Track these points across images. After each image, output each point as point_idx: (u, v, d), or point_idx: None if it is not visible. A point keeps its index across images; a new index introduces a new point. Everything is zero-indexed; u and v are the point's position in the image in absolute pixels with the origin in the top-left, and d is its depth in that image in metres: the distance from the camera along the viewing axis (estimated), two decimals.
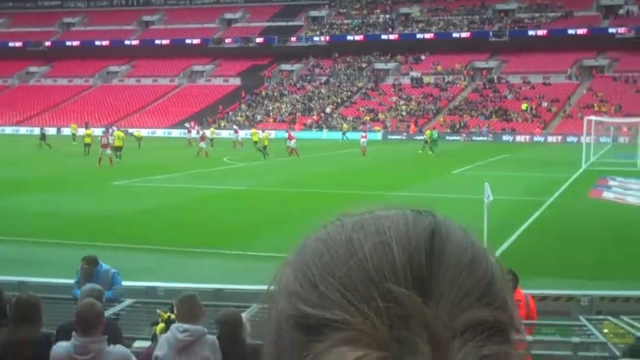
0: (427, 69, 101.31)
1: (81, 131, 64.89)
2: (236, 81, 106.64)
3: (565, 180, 36.02)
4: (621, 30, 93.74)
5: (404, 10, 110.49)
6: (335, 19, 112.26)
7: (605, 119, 66.17)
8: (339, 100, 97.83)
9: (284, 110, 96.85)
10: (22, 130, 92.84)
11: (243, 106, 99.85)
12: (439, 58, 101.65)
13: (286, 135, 56.71)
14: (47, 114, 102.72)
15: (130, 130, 75.14)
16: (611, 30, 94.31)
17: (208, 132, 66.03)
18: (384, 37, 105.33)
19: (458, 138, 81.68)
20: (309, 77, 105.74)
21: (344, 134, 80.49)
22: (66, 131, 77.93)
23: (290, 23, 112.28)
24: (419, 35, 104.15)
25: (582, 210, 26.75)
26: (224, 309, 8.35)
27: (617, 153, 52.59)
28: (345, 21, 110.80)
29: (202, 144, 53.89)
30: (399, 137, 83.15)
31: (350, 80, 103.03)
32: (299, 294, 0.84)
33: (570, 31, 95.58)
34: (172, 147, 62.57)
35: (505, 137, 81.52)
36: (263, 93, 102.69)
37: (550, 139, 79.73)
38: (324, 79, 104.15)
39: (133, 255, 18.22)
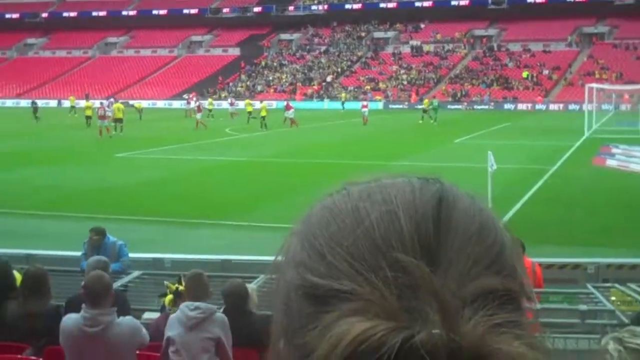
0: (427, 38, 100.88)
1: (81, 103, 64.61)
2: (235, 51, 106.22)
3: (568, 149, 35.98)
4: None
5: None
6: None
7: (606, 86, 65.93)
8: (339, 69, 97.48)
9: (284, 80, 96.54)
10: (23, 102, 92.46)
11: (243, 76, 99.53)
12: (438, 26, 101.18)
13: (285, 104, 56.44)
14: (47, 86, 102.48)
15: (130, 102, 74.93)
16: None
17: (206, 103, 65.82)
18: (382, 5, 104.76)
19: (459, 107, 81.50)
20: (308, 47, 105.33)
21: (342, 103, 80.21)
22: (66, 104, 77.64)
23: None
24: (418, 3, 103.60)
25: (586, 178, 26.71)
26: (230, 280, 8.36)
27: (619, 120, 52.46)
28: None
29: (198, 115, 53.45)
30: (400, 106, 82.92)
31: (350, 49, 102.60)
32: (306, 264, 0.83)
33: None
34: (173, 118, 62.41)
35: (506, 106, 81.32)
36: (263, 63, 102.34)
37: (552, 107, 79.52)
38: (323, 48, 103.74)
39: (137, 227, 18.23)
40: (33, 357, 7.04)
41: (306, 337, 0.80)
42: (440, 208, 0.83)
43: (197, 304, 6.78)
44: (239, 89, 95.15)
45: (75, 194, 23.59)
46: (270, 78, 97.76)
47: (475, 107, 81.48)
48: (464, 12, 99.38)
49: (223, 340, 6.82)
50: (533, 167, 29.63)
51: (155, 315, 8.78)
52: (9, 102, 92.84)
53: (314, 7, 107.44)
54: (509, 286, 0.81)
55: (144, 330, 6.82)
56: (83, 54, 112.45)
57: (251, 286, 8.76)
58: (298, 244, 0.86)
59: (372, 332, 0.74)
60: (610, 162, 31.40)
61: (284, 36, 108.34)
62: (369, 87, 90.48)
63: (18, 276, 8.13)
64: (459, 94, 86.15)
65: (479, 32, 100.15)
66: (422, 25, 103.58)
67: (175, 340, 6.74)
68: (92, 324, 6.39)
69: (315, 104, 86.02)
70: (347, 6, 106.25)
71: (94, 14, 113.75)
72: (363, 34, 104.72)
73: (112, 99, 61.86)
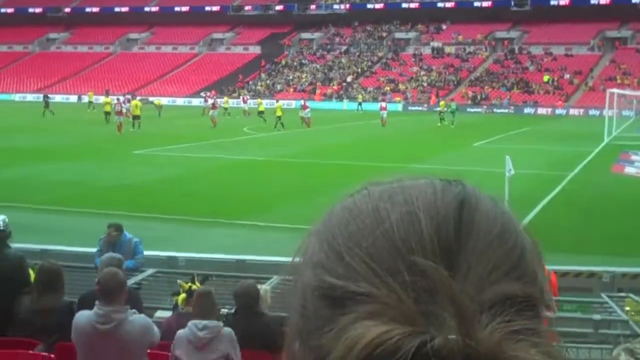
0: (448, 39, 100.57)
1: (100, 99, 64.92)
2: (256, 49, 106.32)
3: (587, 154, 35.78)
4: None
5: None
6: None
7: (628, 92, 65.38)
8: (359, 70, 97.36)
9: (304, 79, 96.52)
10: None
11: (263, 75, 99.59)
12: (460, 28, 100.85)
13: (301, 104, 56.37)
14: (68, 81, 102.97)
15: (150, 99, 75.14)
16: (634, 0, 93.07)
17: (221, 101, 65.91)
18: (404, 5, 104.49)
19: (479, 110, 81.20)
20: (329, 46, 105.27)
21: (359, 104, 79.99)
22: (86, 99, 78.01)
23: None
24: (440, 4, 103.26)
25: (604, 185, 26.55)
26: (242, 281, 8.37)
27: None
28: None
29: (211, 112, 53.19)
30: (420, 108, 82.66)
31: (371, 49, 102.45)
32: (324, 264, 0.83)
33: (593, 1, 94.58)
34: (192, 116, 62.52)
35: (526, 110, 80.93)
36: (283, 62, 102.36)
37: (572, 111, 79.07)
38: (344, 48, 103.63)
39: (152, 225, 18.29)
40: (44, 353, 7.07)
41: (322, 339, 0.79)
42: (462, 210, 0.82)
43: (204, 322, 6.75)
44: (258, 87, 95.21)
45: (92, 190, 23.69)
46: (290, 77, 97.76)
47: (495, 110, 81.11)
48: (486, 13, 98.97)
49: (232, 355, 6.82)
50: (551, 172, 29.48)
51: (168, 314, 8.80)
52: (30, 97, 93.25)
53: (335, 7, 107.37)
54: (529, 292, 0.80)
55: (155, 328, 6.83)
56: (104, 49, 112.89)
57: (265, 287, 8.77)
58: (317, 244, 0.85)
59: (387, 336, 0.74)
60: (629, 170, 31.18)
61: (305, 35, 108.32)
62: (388, 88, 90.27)
63: (32, 271, 8.18)
64: (478, 97, 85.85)
65: (500, 34, 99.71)
66: (444, 27, 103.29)
67: None
68: (105, 321, 6.41)
69: (334, 105, 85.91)
70: (369, 6, 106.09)
71: (116, 9, 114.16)
72: (384, 34, 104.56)
73: (128, 96, 62.07)
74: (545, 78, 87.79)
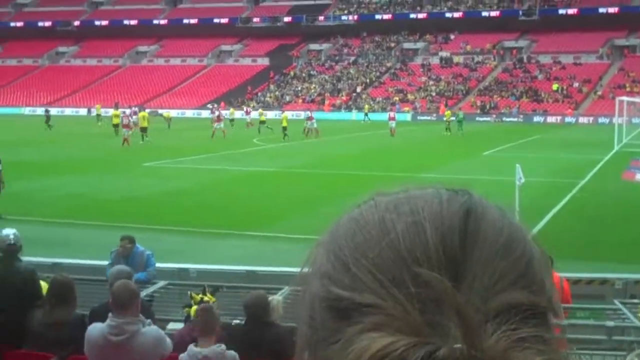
0: (457, 49, 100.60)
1: (109, 112, 65.09)
2: (264, 61, 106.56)
3: (597, 162, 35.69)
4: None
5: None
6: None
7: (637, 99, 65.18)
8: (368, 80, 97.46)
9: (312, 90, 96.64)
10: (53, 111, 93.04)
11: (272, 87, 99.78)
12: (468, 37, 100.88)
13: (308, 115, 56.34)
14: (77, 94, 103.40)
15: (159, 111, 75.31)
16: None
17: (227, 113, 65.93)
18: (412, 16, 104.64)
19: (488, 119, 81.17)
20: (337, 57, 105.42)
21: (366, 114, 80.00)
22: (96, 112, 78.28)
23: (318, 2, 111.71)
24: (448, 14, 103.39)
25: (615, 192, 26.45)
26: (252, 292, 8.36)
27: None
28: (374, 0, 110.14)
29: (217, 125, 52.88)
30: (429, 117, 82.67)
31: (379, 60, 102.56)
32: (330, 275, 0.83)
33: (601, 9, 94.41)
34: (202, 128, 62.59)
35: (536, 118, 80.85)
36: (292, 73, 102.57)
37: (582, 120, 78.97)
38: (352, 58, 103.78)
39: (163, 237, 18.28)
40: None
41: (329, 350, 0.80)
42: (467, 220, 0.82)
43: (206, 352, 6.54)
44: (267, 99, 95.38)
45: (102, 203, 23.73)
46: (299, 88, 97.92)
47: (504, 119, 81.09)
48: (494, 23, 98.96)
49: None
50: (562, 180, 29.41)
51: (180, 325, 8.80)
52: (40, 110, 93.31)
53: (344, 18, 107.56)
54: (535, 301, 0.80)
55: (167, 340, 6.84)
56: (114, 62, 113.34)
57: (277, 297, 8.74)
58: (324, 255, 0.86)
59: (393, 347, 0.74)
60: None
61: (314, 46, 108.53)
62: (397, 99, 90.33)
63: (44, 285, 8.19)
64: (487, 106, 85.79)
65: (509, 43, 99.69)
66: (452, 36, 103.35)
67: None
68: (118, 333, 6.42)
69: (343, 115, 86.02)
70: (377, 16, 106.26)
71: (125, 22, 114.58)
72: (392, 45, 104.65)
73: (135, 108, 62.17)
74: (554, 87, 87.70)
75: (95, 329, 6.59)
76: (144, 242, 12.60)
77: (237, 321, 8.40)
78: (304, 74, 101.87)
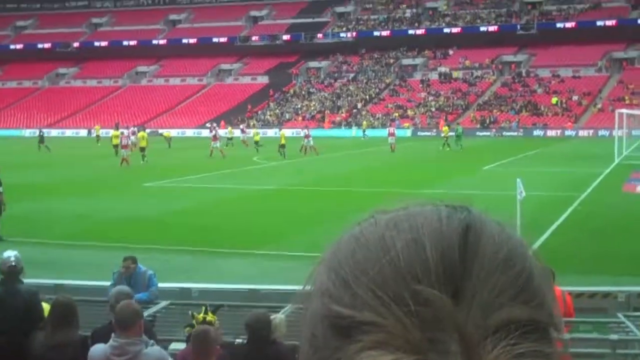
0: (455, 64, 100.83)
1: (110, 132, 65.11)
2: (264, 79, 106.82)
3: (598, 175, 35.70)
4: None
5: (430, 4, 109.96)
6: (362, 15, 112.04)
7: (636, 111, 65.37)
8: (367, 97, 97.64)
9: (312, 108, 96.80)
10: (54, 132, 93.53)
11: (272, 104, 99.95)
12: (467, 52, 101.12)
13: (305, 133, 56.33)
14: (78, 115, 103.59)
15: (160, 131, 75.36)
16: None
17: (224, 132, 65.93)
18: (410, 32, 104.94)
19: (488, 133, 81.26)
20: (336, 74, 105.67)
21: (363, 131, 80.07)
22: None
23: (316, 19, 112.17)
24: (446, 30, 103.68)
25: (616, 204, 26.45)
26: (253, 311, 8.35)
27: None
28: (372, 17, 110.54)
29: (214, 144, 52.87)
30: (429, 133, 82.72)
31: (378, 76, 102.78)
32: (331, 293, 0.83)
33: (599, 23, 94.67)
34: (202, 147, 62.67)
35: (536, 132, 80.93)
36: (291, 91, 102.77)
37: (582, 133, 79.02)
38: (351, 75, 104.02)
39: (165, 257, 18.27)
40: None
41: None
42: (466, 236, 0.83)
43: None
44: (267, 117, 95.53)
45: (103, 224, 23.71)
46: (299, 106, 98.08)
47: (504, 133, 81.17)
48: (492, 37, 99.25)
49: None
50: (563, 194, 29.40)
51: (182, 345, 8.77)
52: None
53: (342, 35, 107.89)
54: (535, 316, 0.81)
55: None
56: (113, 83, 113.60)
57: (279, 316, 8.73)
58: (324, 273, 0.86)
59: None
60: None
61: (313, 64, 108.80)
62: (397, 114, 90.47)
63: (46, 306, 8.18)
64: (487, 121, 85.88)
65: (507, 57, 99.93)
66: (451, 52, 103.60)
67: None
68: (121, 353, 6.41)
69: (343, 132, 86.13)
70: (376, 33, 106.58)
71: (125, 43, 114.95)
72: (391, 61, 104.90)
73: (134, 128, 62.20)
74: (554, 100, 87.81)
75: (98, 350, 6.58)
76: (146, 262, 12.60)
77: (240, 340, 8.37)
78: (303, 92, 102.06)
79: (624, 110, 54.61)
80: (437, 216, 0.85)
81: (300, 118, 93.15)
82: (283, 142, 51.30)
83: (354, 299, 0.81)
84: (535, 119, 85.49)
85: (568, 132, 79.40)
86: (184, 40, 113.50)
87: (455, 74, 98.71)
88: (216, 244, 20.16)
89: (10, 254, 8.70)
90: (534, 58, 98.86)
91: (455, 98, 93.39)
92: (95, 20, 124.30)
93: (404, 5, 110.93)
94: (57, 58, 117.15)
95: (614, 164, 41.78)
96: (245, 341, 7.88)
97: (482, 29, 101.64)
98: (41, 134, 64.23)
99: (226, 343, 7.71)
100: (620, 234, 21.02)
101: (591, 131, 78.44)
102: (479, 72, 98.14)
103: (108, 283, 11.48)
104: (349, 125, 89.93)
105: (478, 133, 79.74)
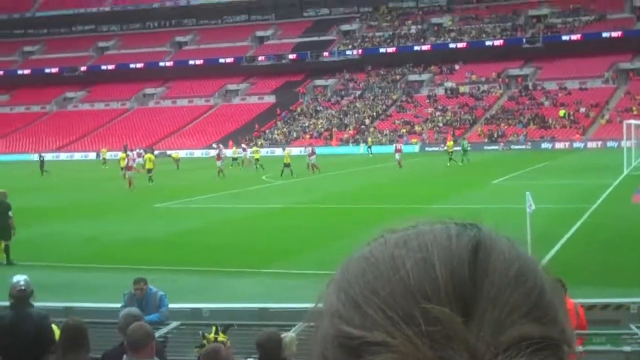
0: (462, 79, 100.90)
1: (118, 155, 65.23)
2: (271, 98, 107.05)
3: (607, 187, 35.60)
4: None
5: (435, 20, 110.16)
6: (367, 32, 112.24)
7: None
8: (374, 113, 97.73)
9: (319, 126, 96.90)
10: (63, 156, 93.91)
11: (279, 123, 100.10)
12: (473, 67, 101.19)
13: (309, 151, 56.32)
14: (86, 139, 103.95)
15: (168, 152, 75.51)
16: None
17: (230, 152, 66.04)
18: (416, 48, 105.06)
19: (496, 147, 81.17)
20: (343, 92, 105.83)
21: (369, 147, 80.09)
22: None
23: (322, 38, 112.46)
24: (452, 45, 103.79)
25: (626, 216, 26.33)
26: (264, 330, 8.33)
27: None
28: (377, 34, 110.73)
29: (219, 163, 53.02)
30: (437, 148, 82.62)
31: (385, 93, 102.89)
32: (341, 314, 0.83)
33: (605, 34, 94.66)
34: (210, 167, 62.76)
35: (544, 145, 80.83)
36: (298, 109, 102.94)
37: (590, 144, 78.92)
38: (358, 92, 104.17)
39: (176, 277, 18.26)
40: None
41: None
42: (477, 254, 0.82)
43: None
44: (275, 136, 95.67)
45: (113, 246, 23.74)
46: (306, 124, 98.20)
47: (512, 147, 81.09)
48: (498, 52, 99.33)
49: None
50: (572, 206, 29.32)
51: None
52: (48, 156, 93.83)
53: (348, 53, 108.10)
54: (547, 333, 0.80)
55: None
56: (121, 105, 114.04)
57: (290, 335, 8.70)
58: (334, 293, 0.86)
59: None
60: None
61: (319, 82, 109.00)
62: (404, 130, 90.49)
63: (56, 330, 8.17)
64: (495, 135, 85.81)
65: (513, 71, 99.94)
66: (457, 67, 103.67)
67: None
68: None
69: (350, 149, 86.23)
70: (382, 50, 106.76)
71: (132, 66, 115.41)
72: (398, 77, 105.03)
73: (140, 150, 62.29)
74: (561, 113, 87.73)
75: None
76: (156, 282, 12.60)
77: (251, 359, 8.35)
78: (310, 110, 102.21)
79: (632, 121, 54.40)
80: (446, 234, 0.85)
81: (307, 136, 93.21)
82: (288, 160, 51.12)
83: (364, 319, 0.80)
84: (543, 132, 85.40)
85: (576, 144, 79.29)
86: (191, 62, 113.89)
87: (461, 89, 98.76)
88: (224, 263, 20.15)
89: (20, 278, 8.70)
90: (540, 71, 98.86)
91: (463, 113, 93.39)
92: (101, 44, 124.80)
93: (409, 22, 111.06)
94: (65, 82, 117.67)
95: (623, 175, 41.65)
96: None
97: (488, 43, 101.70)
98: (41, 158, 64.21)
99: None
100: (631, 245, 20.91)
101: (599, 142, 78.34)
102: (486, 87, 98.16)
103: (118, 305, 11.47)
104: (356, 142, 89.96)
105: (486, 147, 79.70)
